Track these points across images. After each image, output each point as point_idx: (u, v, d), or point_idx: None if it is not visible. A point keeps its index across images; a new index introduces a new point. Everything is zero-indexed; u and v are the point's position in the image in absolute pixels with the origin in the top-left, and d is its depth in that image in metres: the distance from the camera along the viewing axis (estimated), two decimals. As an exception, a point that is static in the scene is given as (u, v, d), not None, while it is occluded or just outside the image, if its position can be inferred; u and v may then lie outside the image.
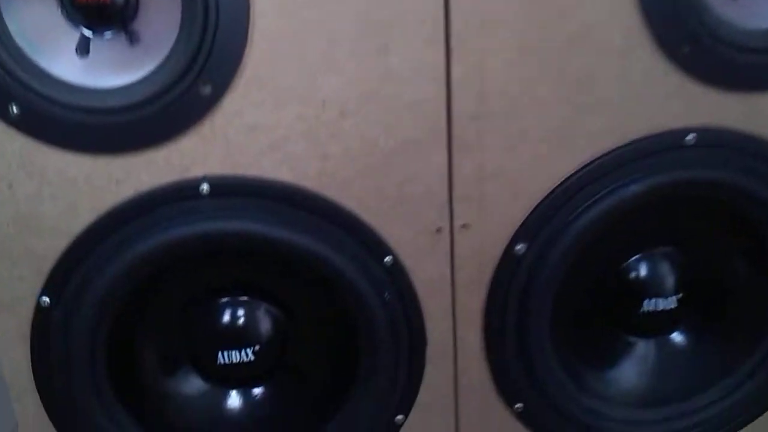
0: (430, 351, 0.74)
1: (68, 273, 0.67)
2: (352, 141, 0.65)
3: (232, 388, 0.78)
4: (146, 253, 0.67)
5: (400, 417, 0.76)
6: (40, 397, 0.70)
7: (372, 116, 0.65)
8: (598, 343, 0.81)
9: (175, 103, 0.63)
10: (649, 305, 0.80)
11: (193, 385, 0.78)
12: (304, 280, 0.72)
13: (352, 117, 0.65)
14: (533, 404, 0.79)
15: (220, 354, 0.75)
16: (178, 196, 0.65)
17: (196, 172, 0.65)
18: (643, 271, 0.81)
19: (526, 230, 0.71)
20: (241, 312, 0.76)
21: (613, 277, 0.81)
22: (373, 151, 0.66)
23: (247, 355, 0.75)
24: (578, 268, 0.77)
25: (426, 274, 0.71)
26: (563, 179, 0.71)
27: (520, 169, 0.69)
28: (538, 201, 0.70)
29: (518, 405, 0.78)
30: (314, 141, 0.65)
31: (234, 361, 0.75)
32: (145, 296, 0.72)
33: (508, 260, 0.72)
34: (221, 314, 0.75)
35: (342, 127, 0.65)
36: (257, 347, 0.74)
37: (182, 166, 0.65)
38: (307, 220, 0.67)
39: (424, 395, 0.76)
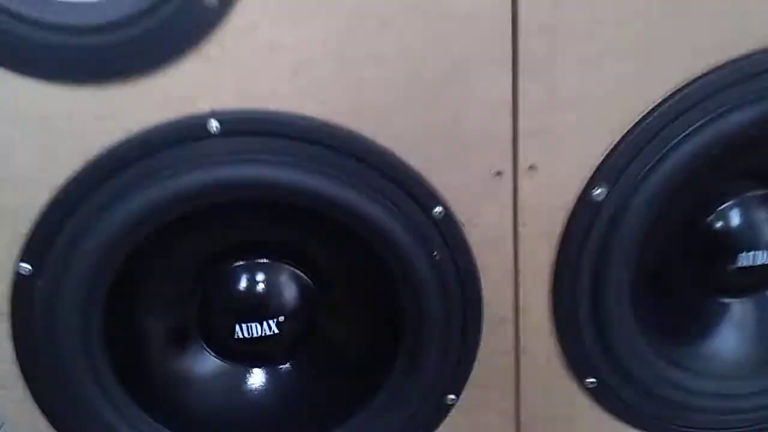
0: (488, 319, 0.65)
1: (51, 234, 0.57)
2: (393, 63, 0.55)
3: (254, 367, 0.70)
4: (144, 208, 0.56)
5: (451, 397, 0.68)
6: (27, 384, 0.62)
7: (418, 31, 0.55)
8: (685, 306, 0.72)
9: (173, 17, 0.52)
10: (745, 259, 0.70)
11: (208, 363, 0.69)
12: (335, 238, 0.63)
13: (394, 33, 0.54)
14: (608, 379, 0.69)
15: (237, 327, 0.66)
16: (180, 137, 0.55)
17: (202, 106, 0.55)
18: (737, 219, 0.71)
19: (606, 171, 0.61)
20: (261, 277, 0.67)
21: (702, 227, 0.71)
22: (419, 75, 0.56)
23: (269, 327, 0.66)
24: (664, 217, 0.66)
25: (483, 228, 0.62)
26: (652, 107, 0.60)
27: (601, 95, 0.58)
28: (622, 135, 0.60)
29: (590, 380, 0.68)
30: (346, 64, 0.55)
31: (254, 335, 0.65)
32: (146, 260, 0.62)
33: (583, 208, 0.61)
34: (238, 280, 0.67)
35: (381, 47, 0.55)
36: (281, 319, 0.66)
37: (184, 98, 0.55)
38: (337, 163, 0.57)
39: (479, 371, 0.67)
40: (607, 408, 0.71)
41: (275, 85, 0.55)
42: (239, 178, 0.57)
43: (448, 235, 0.61)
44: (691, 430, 0.72)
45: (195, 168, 0.56)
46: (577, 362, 0.68)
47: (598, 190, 0.61)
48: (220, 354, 0.68)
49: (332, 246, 0.65)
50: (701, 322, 0.73)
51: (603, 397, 0.70)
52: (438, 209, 0.60)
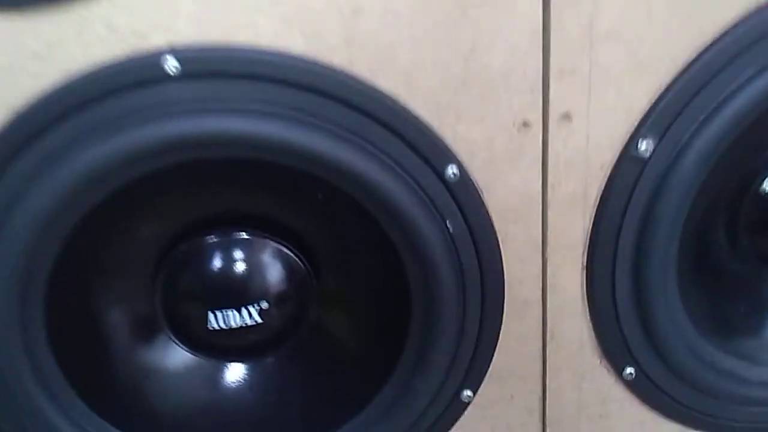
0: (510, 300, 0.58)
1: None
2: None
3: (232, 361, 0.61)
4: (88, 171, 0.46)
5: (467, 393, 0.60)
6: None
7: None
8: (739, 286, 0.65)
9: None
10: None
11: (177, 357, 0.60)
12: (328, 207, 0.55)
13: None
14: (650, 369, 0.62)
15: (211, 316, 0.57)
16: (130, 80, 0.46)
17: (156, 40, 0.45)
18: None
19: (653, 122, 0.52)
20: (238, 255, 0.58)
21: (757, 194, 0.62)
22: (428, 1, 0.47)
23: (250, 316, 0.57)
24: (716, 178, 0.58)
25: (506, 192, 0.54)
26: (710, 43, 0.51)
27: (649, 28, 0.50)
28: (673, 77, 0.52)
29: (629, 370, 0.61)
30: None
31: (232, 325, 0.57)
32: (96, 237, 0.53)
33: (626, 165, 0.54)
34: (210, 259, 0.57)
35: None
36: (264, 306, 0.57)
37: (134, 30, 0.45)
38: (328, 114, 0.49)
39: (500, 362, 0.60)
40: (649, 402, 0.64)
41: (250, 15, 0.46)
42: (204, 132, 0.47)
43: (464, 201, 0.53)
44: (748, 426, 0.62)
45: (149, 120, 0.46)
46: (615, 350, 0.61)
47: (644, 145, 0.53)
48: (191, 347, 0.59)
49: (324, 217, 0.57)
50: (758, 304, 0.65)
51: (644, 390, 0.63)
52: (451, 170, 0.52)
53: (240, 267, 0.58)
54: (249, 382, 0.61)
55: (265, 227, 0.58)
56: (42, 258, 0.49)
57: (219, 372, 0.60)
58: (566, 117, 0.52)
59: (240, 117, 0.47)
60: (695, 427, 0.65)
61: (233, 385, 0.61)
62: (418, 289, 0.55)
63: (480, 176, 0.53)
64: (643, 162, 0.53)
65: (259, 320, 0.57)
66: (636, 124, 0.52)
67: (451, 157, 0.52)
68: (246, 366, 0.61)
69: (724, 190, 0.62)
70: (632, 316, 0.59)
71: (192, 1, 0.45)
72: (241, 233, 0.58)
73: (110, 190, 0.49)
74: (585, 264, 0.57)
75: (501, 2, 0.48)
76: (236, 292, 0.57)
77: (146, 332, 0.58)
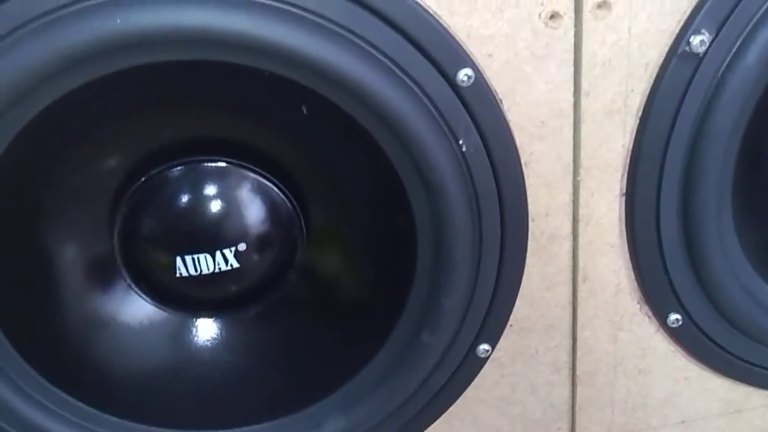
0: (534, 235, 0.53)
1: None
2: None
3: (206, 315, 0.57)
4: (21, 71, 0.41)
5: (484, 347, 0.56)
6: None
7: None
8: None
9: None
10: None
11: (138, 309, 0.56)
12: (315, 125, 0.50)
13: None
14: (699, 315, 0.58)
15: (179, 260, 0.53)
16: None
17: None
18: None
19: (709, 11, 0.48)
20: (211, 188, 0.54)
21: None
22: None
23: (226, 261, 0.53)
24: None
25: (530, 101, 0.49)
26: None
27: None
28: None
29: (674, 317, 0.57)
30: None
31: (203, 271, 0.53)
32: (43, 156, 0.49)
33: (676, 65, 0.49)
34: (177, 192, 0.53)
35: None
36: (242, 248, 0.53)
37: None
38: (312, 2, 0.44)
39: (523, 310, 0.56)
40: (696, 355, 0.61)
41: None
42: (158, 27, 0.42)
43: (479, 113, 0.48)
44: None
45: (92, 12, 0.41)
46: (658, 293, 0.57)
47: (697, 39, 0.49)
48: (155, 297, 0.56)
49: (310, 138, 0.52)
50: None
51: (690, 340, 0.59)
52: (465, 74, 0.47)
53: (213, 202, 0.54)
54: (224, 340, 0.58)
55: (241, 155, 0.54)
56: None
57: (189, 327, 0.57)
58: (603, 5, 0.47)
59: (203, 8, 0.42)
60: (749, 382, 0.63)
61: (206, 343, 0.58)
62: (425, 223, 0.51)
63: (499, 82, 0.48)
64: (697, 59, 0.49)
65: (236, 265, 0.54)
66: (688, 13, 0.48)
67: (463, 59, 0.47)
68: (221, 320, 0.58)
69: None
70: (679, 252, 0.55)
71: None
72: (213, 162, 0.54)
73: (53, 99, 0.44)
74: (624, 190, 0.53)
75: None
76: (209, 233, 0.54)
77: (102, 278, 0.55)
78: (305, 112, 0.48)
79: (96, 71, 0.43)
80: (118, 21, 0.41)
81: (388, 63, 0.45)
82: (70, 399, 0.52)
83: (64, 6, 0.41)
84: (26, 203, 0.50)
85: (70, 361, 0.53)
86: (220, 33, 0.42)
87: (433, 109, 0.47)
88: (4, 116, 0.43)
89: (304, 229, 0.56)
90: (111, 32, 0.41)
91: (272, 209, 0.55)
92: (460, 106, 0.48)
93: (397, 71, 0.46)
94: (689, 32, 0.48)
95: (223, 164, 0.54)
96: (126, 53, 0.43)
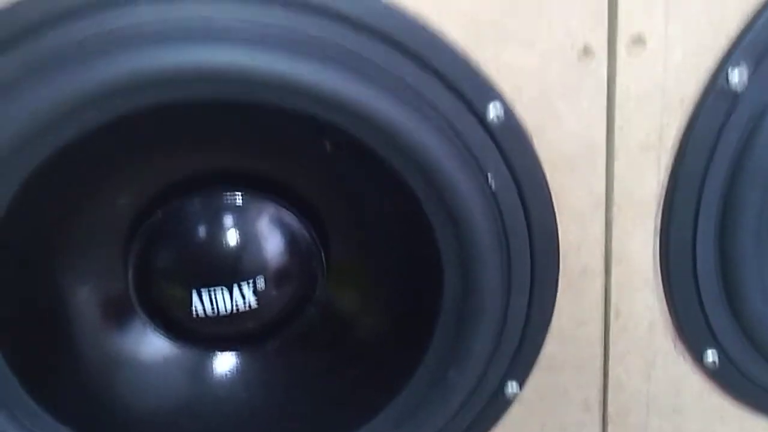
0: (566, 270, 0.56)
1: None
2: None
3: (223, 350, 0.60)
4: (36, 114, 0.43)
5: (513, 386, 0.59)
6: None
7: None
8: None
9: None
10: None
11: (155, 347, 0.58)
12: (339, 159, 0.52)
13: None
14: (736, 353, 0.60)
15: (196, 297, 0.54)
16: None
17: None
18: None
19: (748, 45, 0.50)
20: (228, 220, 0.56)
21: None
22: None
23: (243, 297, 0.55)
24: None
25: (561, 137, 0.52)
26: None
27: None
28: None
29: (710, 355, 0.60)
30: None
31: (221, 310, 0.54)
32: (56, 196, 0.51)
33: (713, 100, 0.52)
34: (193, 225, 0.55)
35: None
36: (261, 284, 0.55)
37: None
38: (339, 40, 0.46)
39: (553, 347, 0.58)
40: (733, 393, 0.62)
41: None
42: (184, 66, 0.44)
43: (509, 148, 0.51)
44: None
45: (113, 50, 0.43)
46: (693, 330, 0.59)
47: (736, 74, 0.51)
48: (171, 334, 0.58)
49: (334, 171, 0.55)
50: None
51: (727, 378, 0.61)
52: (494, 108, 0.50)
53: (230, 235, 0.56)
54: (241, 376, 0.60)
55: (260, 186, 0.56)
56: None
57: (205, 364, 0.59)
58: (638, 40, 0.50)
59: (230, 46, 0.45)
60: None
61: (222, 379, 0.60)
62: (451, 260, 0.53)
63: (529, 116, 0.51)
64: (735, 95, 0.51)
65: (255, 302, 0.55)
66: (725, 49, 0.51)
67: (493, 93, 0.50)
68: (238, 356, 0.60)
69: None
70: (716, 288, 0.57)
71: None
72: (231, 194, 0.56)
73: (66, 139, 0.46)
74: (659, 226, 0.55)
75: None
76: (226, 266, 0.56)
77: (117, 316, 0.57)
78: (328, 149, 0.51)
79: (117, 110, 0.46)
80: (142, 62, 0.43)
81: (416, 100, 0.48)
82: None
83: (98, 38, 0.43)
84: (40, 242, 0.52)
85: (85, 401, 0.55)
86: (251, 73, 0.44)
87: (461, 145, 0.50)
88: (18, 156, 0.45)
89: (324, 263, 0.58)
90: (138, 70, 0.43)
91: (292, 241, 0.57)
92: (489, 140, 0.50)
93: (425, 106, 0.48)
94: (727, 67, 0.50)
95: (240, 195, 0.56)
96: (152, 91, 0.45)
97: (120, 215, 0.55)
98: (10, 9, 0.43)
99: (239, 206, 0.56)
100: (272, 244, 0.57)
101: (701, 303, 0.57)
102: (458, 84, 0.48)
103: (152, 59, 0.43)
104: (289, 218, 0.57)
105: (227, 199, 0.56)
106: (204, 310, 0.54)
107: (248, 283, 0.55)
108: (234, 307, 0.54)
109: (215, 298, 0.54)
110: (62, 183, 0.50)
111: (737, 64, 0.50)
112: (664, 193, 0.54)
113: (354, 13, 0.46)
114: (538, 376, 0.59)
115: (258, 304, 0.55)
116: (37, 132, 0.44)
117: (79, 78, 0.43)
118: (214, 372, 0.60)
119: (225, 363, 0.60)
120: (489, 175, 0.50)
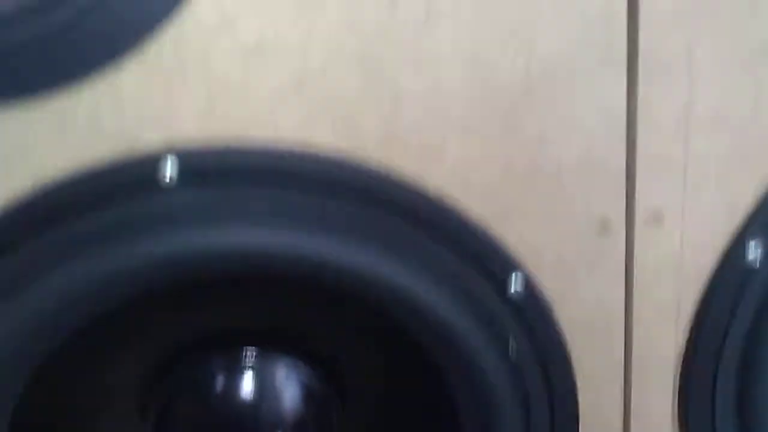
0: (586, 430, 0.56)
1: None
2: (446, 66, 0.46)
3: None
4: (62, 299, 0.45)
5: None
6: None
7: (485, 18, 0.46)
8: None
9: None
10: None
11: None
12: (360, 326, 0.54)
13: (451, 21, 0.46)
14: None
15: None
16: (120, 190, 0.44)
17: (151, 139, 0.44)
18: None
19: (762, 224, 0.52)
20: (248, 376, 0.57)
21: None
22: (486, 83, 0.47)
23: None
24: None
25: (582, 306, 0.53)
26: None
27: (756, 112, 0.50)
28: None
29: None
30: (376, 69, 0.45)
31: None
32: (79, 359, 0.52)
33: (730, 274, 0.53)
34: (214, 380, 0.56)
35: (431, 43, 0.46)
36: None
37: (122, 129, 0.44)
38: (364, 220, 0.48)
39: None
40: None
41: (267, 103, 0.45)
42: (210, 249, 0.45)
43: (530, 318, 0.52)
44: None
45: (140, 236, 0.45)
46: None
47: (751, 249, 0.52)
48: None
49: (354, 337, 0.56)
50: None
51: None
52: (515, 281, 0.51)
53: (250, 389, 0.57)
54: None
55: (278, 343, 0.57)
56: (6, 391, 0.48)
57: None
58: (656, 217, 0.51)
59: (251, 231, 0.46)
60: None
61: None
62: (472, 424, 0.53)
63: (549, 287, 0.52)
64: (751, 271, 0.52)
65: None
66: (741, 225, 0.52)
67: (514, 266, 0.51)
68: None
69: None
70: None
71: (194, 92, 0.44)
72: (251, 347, 0.57)
73: (92, 315, 0.47)
74: (677, 391, 0.56)
75: (577, 83, 0.47)
76: (246, 420, 0.56)
77: None
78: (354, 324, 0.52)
79: (143, 287, 0.47)
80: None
81: (439, 275, 0.48)
82: None
83: (126, 225, 0.44)
84: (60, 408, 0.53)
85: None
86: (278, 254, 0.46)
87: (482, 316, 0.50)
88: (52, 328, 0.46)
89: (346, 421, 0.58)
90: (163, 255, 0.45)
91: (310, 397, 0.57)
92: (511, 312, 0.51)
93: (448, 282, 0.49)
94: (742, 242, 0.51)
95: (258, 354, 0.57)
96: (177, 271, 0.46)
97: (138, 374, 0.56)
98: (37, 197, 0.44)
99: (259, 360, 0.57)
100: (290, 397, 0.57)
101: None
102: (479, 258, 0.49)
103: (176, 244, 0.45)
104: (308, 372, 0.57)
105: (246, 353, 0.57)
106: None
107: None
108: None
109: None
110: (86, 345, 0.51)
111: (752, 239, 0.51)
112: (682, 358, 0.54)
113: (380, 199, 0.47)
114: None
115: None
116: (62, 312, 0.45)
117: (106, 261, 0.44)
118: None
119: None
120: (510, 346, 0.51)
